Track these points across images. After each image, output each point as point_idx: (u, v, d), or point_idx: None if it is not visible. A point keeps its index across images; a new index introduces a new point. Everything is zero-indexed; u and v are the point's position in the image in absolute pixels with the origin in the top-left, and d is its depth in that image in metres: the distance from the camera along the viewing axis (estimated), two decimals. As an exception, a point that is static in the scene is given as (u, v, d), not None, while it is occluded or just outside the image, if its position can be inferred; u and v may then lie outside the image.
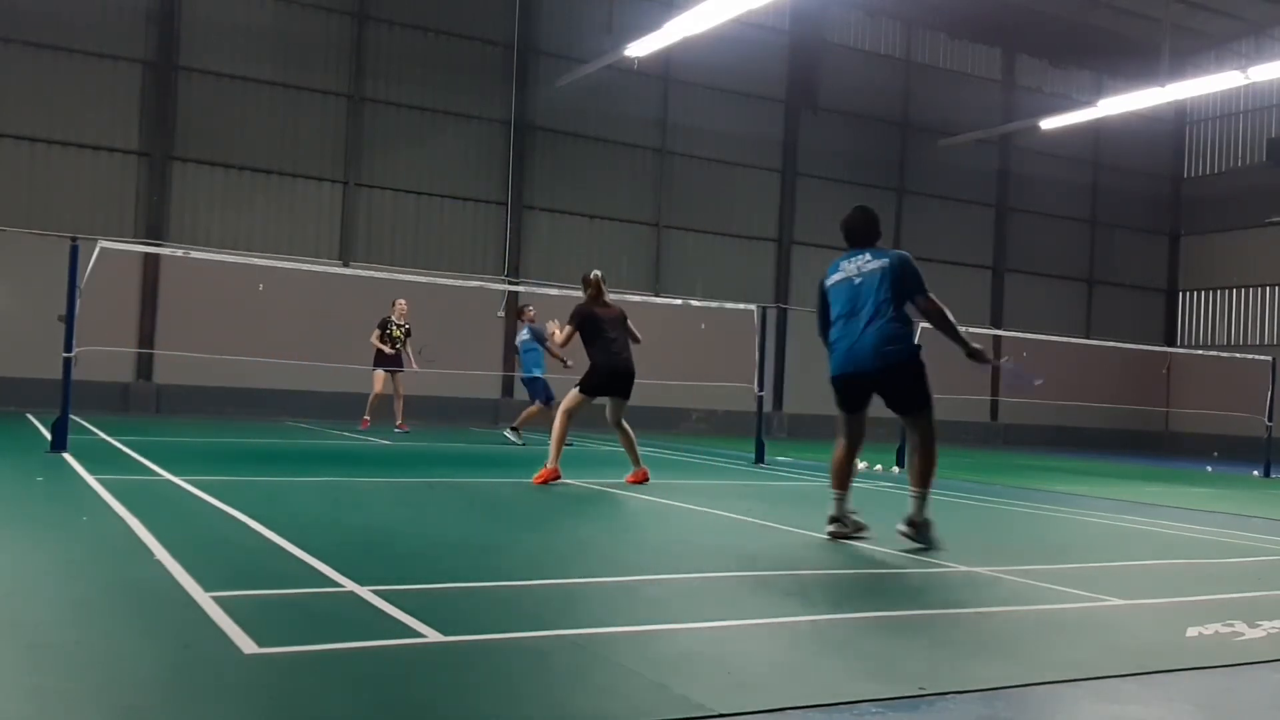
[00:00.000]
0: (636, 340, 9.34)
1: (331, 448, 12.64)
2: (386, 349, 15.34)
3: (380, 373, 15.39)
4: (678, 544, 6.21)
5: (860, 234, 6.41)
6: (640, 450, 9.31)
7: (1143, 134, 29.70)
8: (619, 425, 9.18)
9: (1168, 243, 31.40)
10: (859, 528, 6.20)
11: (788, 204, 25.35)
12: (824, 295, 6.37)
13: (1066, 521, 8.42)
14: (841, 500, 6.26)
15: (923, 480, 6.02)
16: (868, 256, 6.28)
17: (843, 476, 6.28)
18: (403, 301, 15.64)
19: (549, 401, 14.03)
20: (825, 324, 6.36)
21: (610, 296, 9.53)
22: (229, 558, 4.87)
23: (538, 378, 14.49)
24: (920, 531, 5.95)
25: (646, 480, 9.06)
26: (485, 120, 22.07)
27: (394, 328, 15.44)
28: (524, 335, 14.76)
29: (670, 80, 23.67)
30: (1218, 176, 30.62)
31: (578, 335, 9.19)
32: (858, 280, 6.19)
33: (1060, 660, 3.61)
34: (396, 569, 4.78)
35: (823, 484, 10.79)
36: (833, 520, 6.24)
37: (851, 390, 6.21)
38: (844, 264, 6.34)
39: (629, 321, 9.35)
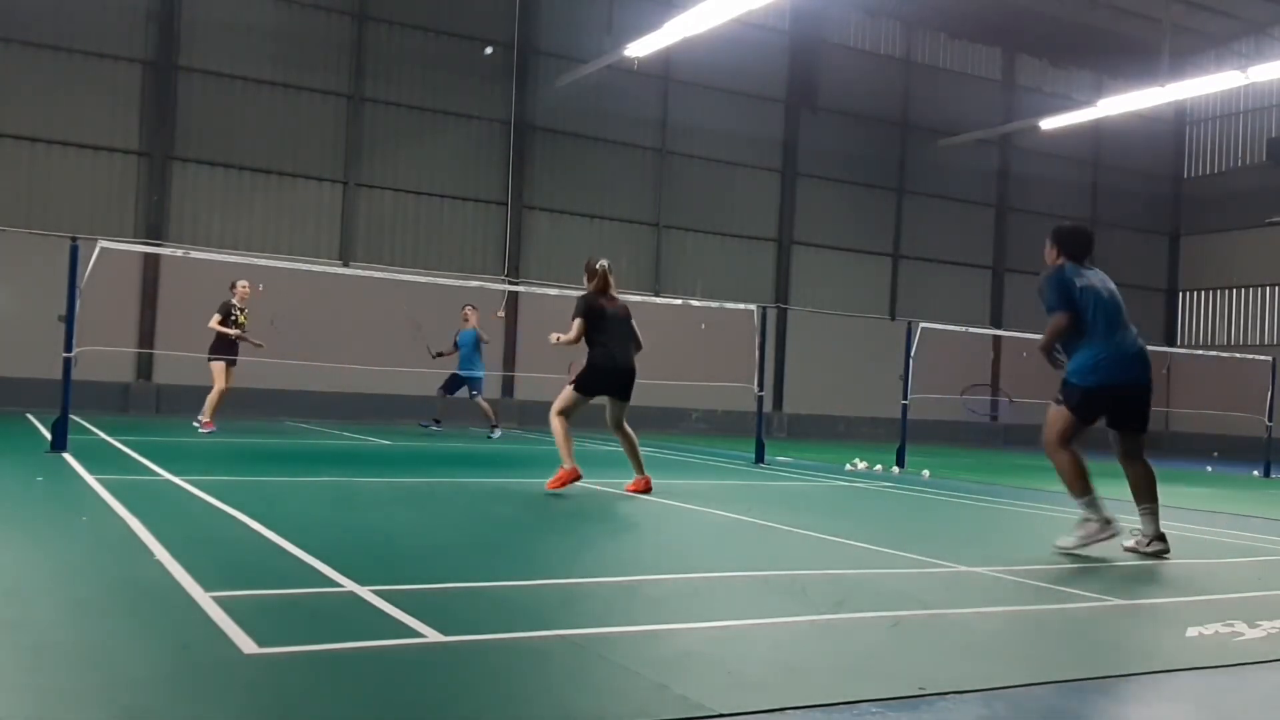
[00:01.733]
0: (639, 345, 8.63)
1: (331, 448, 12.64)
2: (231, 333, 13.55)
3: (224, 365, 13.56)
4: (677, 544, 6.21)
5: (1090, 250, 6.58)
6: (642, 450, 9.01)
7: (1143, 134, 29.70)
8: (620, 429, 8.53)
9: (1168, 243, 31.40)
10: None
11: (788, 204, 25.34)
12: (1073, 293, 6.29)
13: (1066, 521, 8.39)
14: (1095, 503, 6.22)
15: (1155, 494, 6.37)
16: (1103, 275, 6.51)
17: (1085, 479, 6.28)
18: (244, 283, 13.89)
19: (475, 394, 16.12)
20: (1072, 320, 6.31)
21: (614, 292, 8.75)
22: (229, 558, 4.87)
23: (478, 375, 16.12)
24: (1164, 542, 6.26)
25: (649, 490, 8.42)
26: (485, 120, 22.07)
27: (238, 313, 13.71)
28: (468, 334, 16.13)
29: (670, 80, 23.66)
30: (1218, 176, 30.61)
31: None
32: (1106, 295, 6.36)
33: (1060, 660, 3.61)
34: (396, 569, 4.78)
35: (822, 484, 10.82)
36: (1106, 524, 6.18)
37: (1105, 402, 6.28)
38: (1085, 273, 6.41)
39: (634, 322, 8.65)
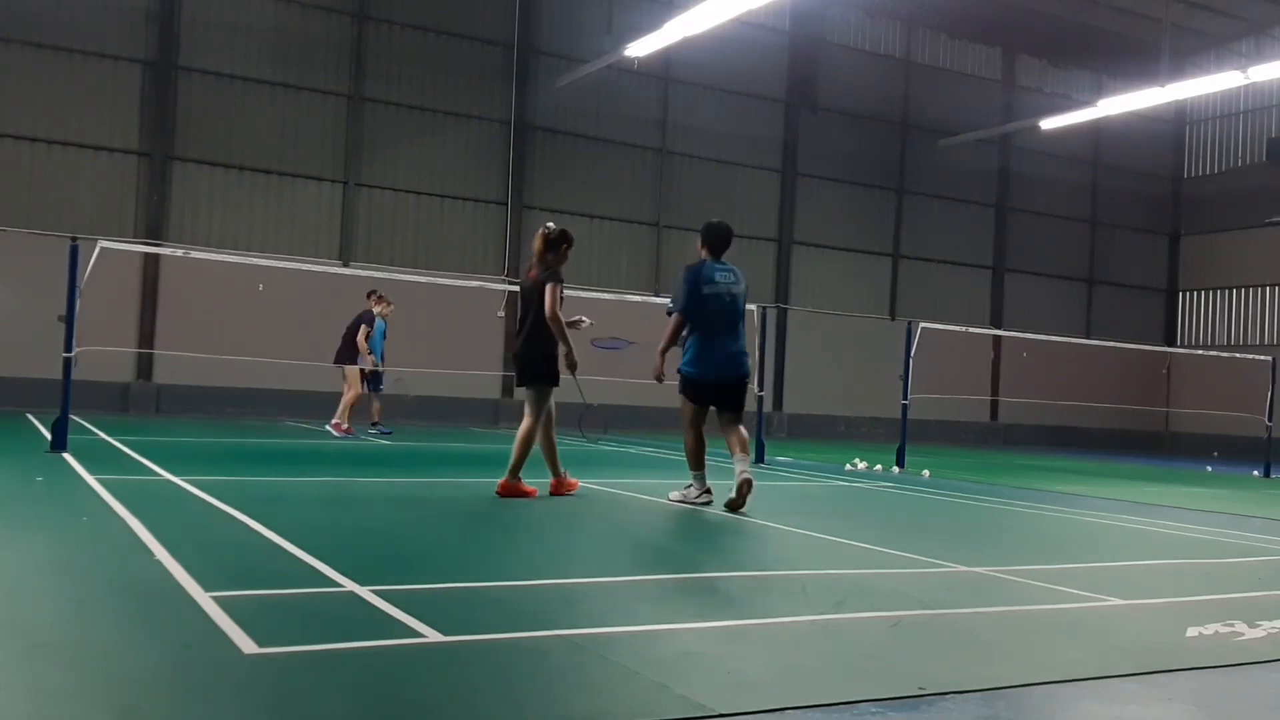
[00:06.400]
0: (549, 321, 7.61)
1: (331, 448, 12.63)
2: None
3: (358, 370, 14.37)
4: (677, 544, 6.21)
5: (727, 245, 7.71)
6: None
7: (1143, 134, 29.70)
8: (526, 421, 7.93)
9: (1168, 243, 31.41)
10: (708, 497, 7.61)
11: (788, 204, 25.35)
12: (699, 294, 7.45)
13: (1066, 521, 8.42)
14: (701, 478, 7.63)
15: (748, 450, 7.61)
16: (733, 277, 7.59)
17: (701, 457, 7.69)
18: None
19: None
20: (689, 311, 7.48)
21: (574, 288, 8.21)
22: (229, 558, 4.87)
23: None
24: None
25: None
26: (485, 120, 22.07)
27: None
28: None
29: (670, 80, 23.67)
30: (1218, 176, 30.62)
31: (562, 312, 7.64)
32: (729, 299, 7.51)
33: (1060, 660, 3.61)
34: (396, 569, 4.78)
35: (822, 483, 10.83)
36: (705, 493, 7.59)
37: (710, 391, 7.60)
38: (718, 275, 7.53)
39: (546, 292, 7.61)
